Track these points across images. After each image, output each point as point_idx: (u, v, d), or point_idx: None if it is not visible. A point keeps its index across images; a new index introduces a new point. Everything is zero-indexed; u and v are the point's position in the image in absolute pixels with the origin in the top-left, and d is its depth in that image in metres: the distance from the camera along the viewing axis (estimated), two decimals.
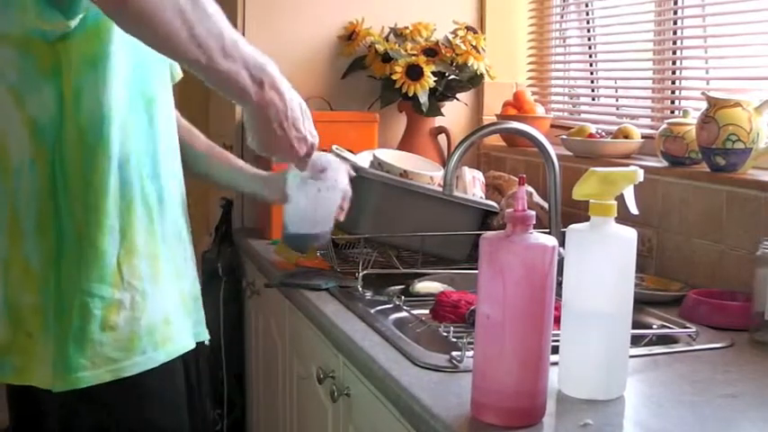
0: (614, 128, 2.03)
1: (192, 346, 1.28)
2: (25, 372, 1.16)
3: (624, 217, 1.11)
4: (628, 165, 1.69)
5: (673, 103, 2.01)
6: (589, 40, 2.41)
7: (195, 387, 1.31)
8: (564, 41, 2.50)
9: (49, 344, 1.14)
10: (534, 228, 0.98)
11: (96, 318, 1.13)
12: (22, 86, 1.12)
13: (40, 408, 1.21)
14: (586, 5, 2.39)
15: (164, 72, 1.27)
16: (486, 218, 1.87)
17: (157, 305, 1.20)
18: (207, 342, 1.35)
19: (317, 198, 1.44)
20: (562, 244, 1.08)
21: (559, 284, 1.05)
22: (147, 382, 1.19)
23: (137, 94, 1.18)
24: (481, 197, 1.93)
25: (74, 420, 1.18)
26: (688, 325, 1.39)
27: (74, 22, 1.07)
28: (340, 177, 1.46)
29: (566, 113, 2.49)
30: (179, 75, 1.38)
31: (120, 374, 1.15)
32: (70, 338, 1.13)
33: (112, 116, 1.14)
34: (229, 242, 2.29)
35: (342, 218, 1.48)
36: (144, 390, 1.19)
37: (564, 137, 2.06)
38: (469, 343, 1.16)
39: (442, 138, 2.37)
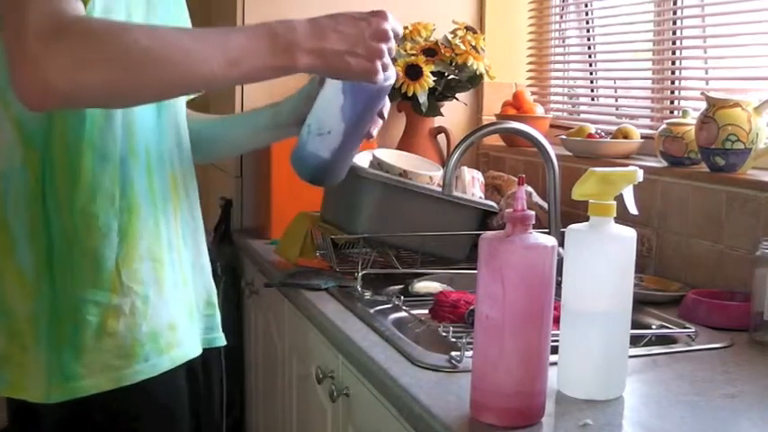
0: (614, 128, 2.03)
1: (199, 352, 1.23)
2: (18, 386, 1.12)
3: (623, 217, 1.11)
4: (627, 165, 1.69)
5: (672, 103, 2.02)
6: (588, 40, 2.41)
7: (202, 392, 1.27)
8: (563, 41, 2.50)
9: (41, 355, 1.10)
10: (534, 228, 0.98)
11: (91, 324, 1.09)
12: (5, 86, 1.05)
13: (38, 422, 1.15)
14: (586, 6, 2.39)
15: None
16: (485, 218, 1.87)
17: (161, 311, 1.15)
18: (221, 346, 1.31)
19: (356, 89, 1.13)
20: (561, 244, 1.08)
21: (559, 284, 1.05)
22: (148, 389, 1.14)
23: None
24: (480, 197, 1.93)
25: (72, 428, 1.13)
26: (687, 325, 1.39)
27: None
28: (387, 73, 1.12)
29: (565, 113, 2.49)
30: None
31: (121, 382, 1.11)
32: (66, 346, 1.09)
33: (98, 115, 1.09)
34: (229, 242, 2.29)
35: (375, 132, 1.22)
36: (143, 397, 1.14)
37: (563, 137, 2.06)
38: (469, 343, 1.16)
39: (441, 138, 2.37)
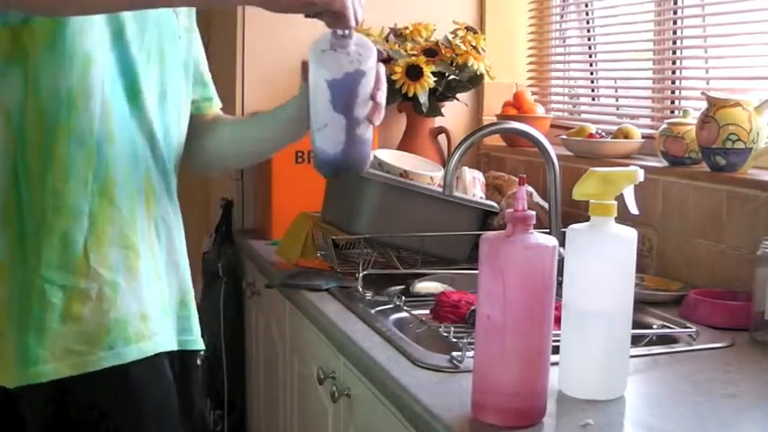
0: (614, 128, 2.03)
1: (173, 347, 1.20)
2: None
3: (624, 217, 1.11)
4: (628, 165, 1.69)
5: (673, 102, 2.01)
6: (589, 40, 2.41)
7: (185, 393, 1.25)
8: (564, 41, 2.50)
9: (12, 339, 1.08)
10: (534, 228, 0.98)
11: (56, 307, 1.07)
12: None
13: (18, 409, 1.12)
14: (586, 5, 2.39)
15: (151, 66, 1.20)
16: (486, 218, 1.87)
17: (132, 300, 1.13)
18: (201, 352, 1.29)
19: (337, 79, 1.10)
20: (562, 244, 1.08)
21: (559, 284, 1.05)
22: (131, 376, 1.12)
23: (116, 81, 1.13)
24: (481, 197, 1.93)
25: (52, 418, 1.11)
26: (688, 325, 1.39)
27: None
28: (364, 52, 1.13)
29: (566, 113, 2.49)
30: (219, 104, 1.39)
31: (84, 369, 1.08)
32: (31, 330, 1.07)
33: (74, 99, 1.08)
34: (230, 242, 2.29)
35: (379, 119, 1.15)
36: (128, 384, 1.12)
37: (564, 137, 2.06)
38: (470, 343, 1.16)
39: (442, 138, 2.37)
